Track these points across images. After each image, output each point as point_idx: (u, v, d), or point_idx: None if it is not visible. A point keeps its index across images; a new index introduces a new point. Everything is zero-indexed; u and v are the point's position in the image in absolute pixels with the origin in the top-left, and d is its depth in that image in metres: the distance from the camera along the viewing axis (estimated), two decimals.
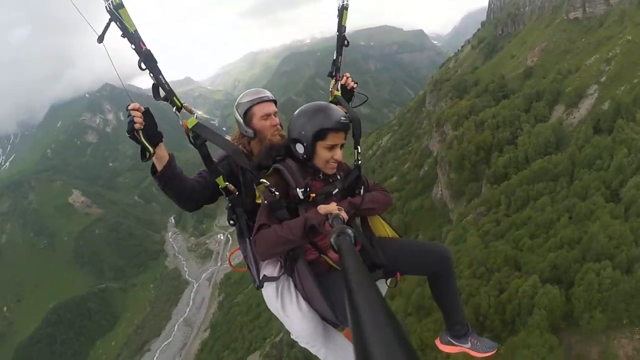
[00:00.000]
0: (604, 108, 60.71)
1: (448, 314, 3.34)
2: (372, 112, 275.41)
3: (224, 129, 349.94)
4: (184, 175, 2.93)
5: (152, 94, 2.61)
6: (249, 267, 3.11)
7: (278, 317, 2.95)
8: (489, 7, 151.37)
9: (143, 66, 2.47)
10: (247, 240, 2.98)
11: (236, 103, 3.32)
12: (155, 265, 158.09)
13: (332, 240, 1.73)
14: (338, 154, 2.86)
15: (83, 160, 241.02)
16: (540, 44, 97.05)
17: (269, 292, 2.91)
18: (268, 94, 3.35)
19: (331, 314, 2.67)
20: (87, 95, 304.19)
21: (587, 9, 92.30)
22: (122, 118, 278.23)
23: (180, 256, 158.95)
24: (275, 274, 2.89)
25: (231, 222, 3.09)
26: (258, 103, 3.26)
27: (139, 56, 2.44)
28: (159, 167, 2.77)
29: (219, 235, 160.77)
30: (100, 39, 2.37)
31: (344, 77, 3.49)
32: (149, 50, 2.45)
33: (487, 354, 3.36)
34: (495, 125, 76.08)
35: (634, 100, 56.30)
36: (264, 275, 2.90)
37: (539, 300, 34.29)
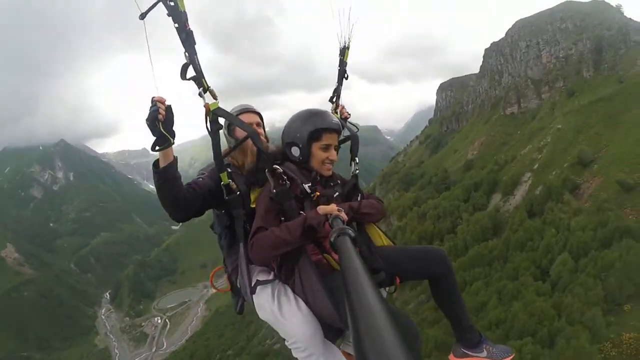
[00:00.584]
0: (537, 193, 61.62)
1: (456, 320, 3.18)
2: None
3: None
4: (181, 182, 2.78)
5: (180, 76, 2.60)
6: (233, 287, 3.11)
7: (273, 322, 2.78)
8: (436, 105, 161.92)
9: (183, 43, 2.51)
10: (241, 245, 2.83)
11: None
12: (84, 342, 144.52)
13: (331, 240, 1.78)
14: (333, 154, 2.91)
15: (24, 214, 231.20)
16: (479, 138, 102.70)
17: (262, 297, 2.77)
18: (250, 106, 3.42)
19: (335, 315, 2.55)
20: (40, 148, 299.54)
21: (521, 104, 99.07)
22: (72, 179, 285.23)
23: (112, 336, 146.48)
24: (268, 278, 2.82)
25: (222, 230, 3.08)
26: (240, 113, 3.29)
27: (181, 35, 2.48)
28: (163, 163, 2.65)
29: (156, 319, 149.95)
30: (143, 16, 2.43)
31: (341, 107, 3.56)
32: (192, 30, 2.51)
33: None
34: (437, 215, 77.49)
35: (563, 182, 57.27)
36: (257, 280, 2.80)
37: None
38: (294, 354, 2.73)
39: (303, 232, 2.47)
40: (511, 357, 3.21)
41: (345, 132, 3.37)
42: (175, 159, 2.71)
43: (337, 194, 2.97)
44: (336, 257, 2.62)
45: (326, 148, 2.87)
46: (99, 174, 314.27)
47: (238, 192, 2.87)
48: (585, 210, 46.10)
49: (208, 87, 2.64)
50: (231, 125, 3.23)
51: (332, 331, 2.80)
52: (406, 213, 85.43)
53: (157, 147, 2.59)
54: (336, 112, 3.51)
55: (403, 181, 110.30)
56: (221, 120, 2.92)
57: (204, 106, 2.69)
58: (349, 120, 3.53)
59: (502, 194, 72.10)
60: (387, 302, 2.03)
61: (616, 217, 40.74)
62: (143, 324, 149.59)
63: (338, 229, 1.79)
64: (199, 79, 2.60)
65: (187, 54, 2.51)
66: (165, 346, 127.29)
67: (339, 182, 3.11)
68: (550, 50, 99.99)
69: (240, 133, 3.16)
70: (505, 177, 73.63)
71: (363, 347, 0.70)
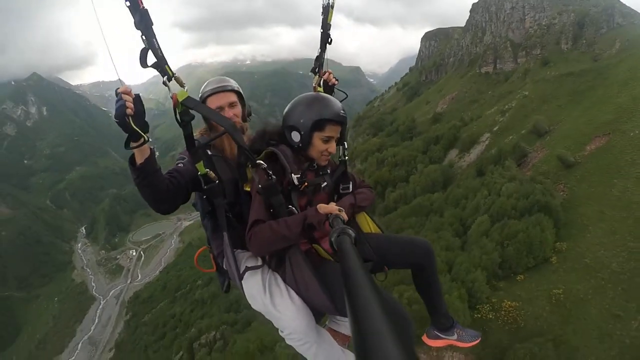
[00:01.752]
0: (491, 154, 63.05)
1: (433, 306, 3.33)
2: None
3: (150, 139, 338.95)
4: (162, 173, 2.67)
5: (139, 61, 2.34)
6: (219, 267, 3.06)
7: (266, 313, 2.75)
8: (418, 54, 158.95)
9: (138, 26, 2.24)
10: (225, 234, 2.77)
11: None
12: (62, 278, 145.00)
13: (332, 239, 1.79)
14: (333, 147, 2.86)
15: None
16: (452, 92, 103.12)
17: (252, 286, 2.73)
18: (227, 83, 3.22)
19: (329, 304, 2.54)
20: (12, 83, 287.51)
21: (497, 65, 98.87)
22: (46, 113, 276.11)
23: (88, 270, 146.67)
24: (257, 264, 2.78)
25: (204, 214, 3.01)
26: (211, 94, 3.14)
27: (134, 15, 2.20)
28: (140, 160, 2.51)
29: (131, 251, 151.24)
30: None
31: (327, 73, 3.33)
32: (147, 9, 2.21)
33: (473, 343, 3.41)
34: (394, 163, 78.96)
35: (513, 148, 59.04)
36: (246, 266, 2.76)
37: None
38: (289, 343, 2.78)
39: (303, 230, 2.47)
40: (478, 340, 3.47)
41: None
42: (152, 151, 2.58)
43: (325, 183, 2.95)
44: (326, 247, 2.74)
45: (327, 140, 2.82)
46: (73, 108, 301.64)
47: (217, 181, 2.80)
48: (519, 179, 47.28)
49: (173, 74, 2.43)
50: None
51: (319, 314, 2.87)
52: (368, 158, 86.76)
53: (131, 144, 2.44)
54: (320, 86, 3.33)
55: (374, 126, 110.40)
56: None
57: (172, 97, 2.51)
58: (336, 86, 3.43)
59: (459, 151, 73.58)
60: (386, 300, 2.47)
61: (542, 190, 41.77)
62: (118, 256, 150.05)
63: (339, 229, 1.83)
64: (161, 66, 2.39)
65: (143, 37, 2.25)
66: (139, 278, 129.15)
67: (328, 170, 3.07)
68: (534, 16, 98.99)
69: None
70: (465, 134, 74.94)
71: (365, 350, 0.71)
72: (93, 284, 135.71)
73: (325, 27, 3.18)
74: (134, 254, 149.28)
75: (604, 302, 29.08)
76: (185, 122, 2.57)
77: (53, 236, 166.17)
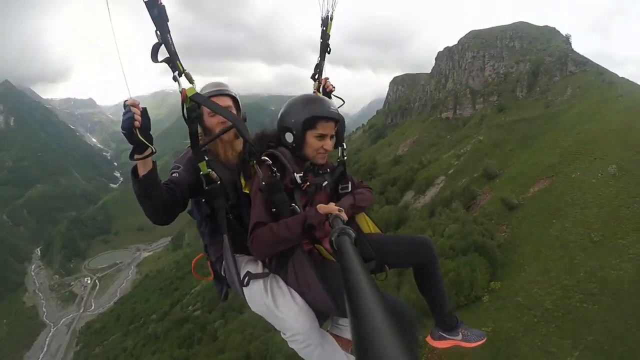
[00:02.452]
0: (444, 196, 63.54)
1: (437, 306, 3.28)
2: None
3: (115, 163, 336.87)
4: (162, 186, 2.67)
5: (150, 57, 2.40)
6: (216, 274, 3.00)
7: (268, 316, 2.72)
8: (386, 97, 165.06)
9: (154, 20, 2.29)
10: (225, 237, 2.74)
11: None
12: (12, 299, 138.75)
13: (332, 240, 1.79)
14: (328, 143, 2.84)
15: None
16: (413, 136, 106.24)
17: (254, 291, 2.69)
18: (224, 87, 3.16)
19: (332, 304, 2.52)
20: None
21: (457, 110, 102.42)
22: (13, 124, 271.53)
23: (40, 294, 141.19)
24: (259, 271, 2.73)
25: (202, 219, 2.97)
26: (218, 95, 3.05)
27: (151, 10, 2.25)
28: (143, 172, 2.52)
29: (86, 279, 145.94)
30: None
31: (324, 80, 3.45)
32: (164, 5, 2.27)
33: (478, 343, 3.36)
34: None
35: (463, 191, 59.85)
36: (248, 271, 2.70)
37: None
38: (291, 346, 2.71)
39: (303, 230, 2.45)
40: (483, 340, 3.36)
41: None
42: (155, 164, 2.56)
43: (325, 182, 2.93)
44: (327, 247, 2.69)
45: (321, 137, 2.80)
46: (41, 121, 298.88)
47: (219, 182, 2.76)
48: (462, 220, 47.71)
49: (184, 70, 2.47)
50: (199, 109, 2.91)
51: (321, 316, 2.79)
52: None
53: (136, 156, 2.43)
54: (319, 91, 3.41)
55: None
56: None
57: (180, 92, 2.53)
58: (333, 93, 3.46)
59: (415, 192, 74.14)
60: (388, 300, 2.48)
61: (481, 231, 42.20)
62: (72, 283, 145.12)
63: (339, 229, 1.80)
64: (173, 62, 2.42)
65: (158, 32, 2.29)
66: (93, 307, 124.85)
67: (328, 170, 3.05)
68: (494, 65, 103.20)
69: (207, 121, 3.00)
70: (422, 177, 75.82)
71: (365, 351, 0.70)
72: (44, 310, 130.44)
73: (325, 37, 3.32)
74: (89, 282, 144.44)
75: (536, 340, 28.48)
76: (192, 119, 2.57)
77: (6, 254, 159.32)
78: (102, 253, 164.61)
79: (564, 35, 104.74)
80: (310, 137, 2.78)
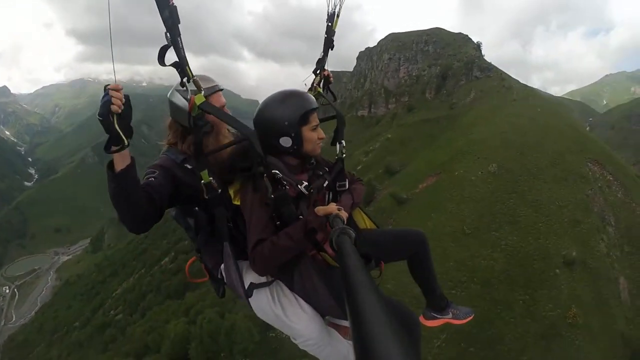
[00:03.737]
0: None
1: (430, 289, 3.37)
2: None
3: (30, 159, 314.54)
4: (141, 186, 2.46)
5: (156, 60, 2.25)
6: (212, 277, 2.87)
7: (278, 324, 2.71)
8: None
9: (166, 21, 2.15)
10: (226, 245, 2.62)
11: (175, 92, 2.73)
12: None
13: (332, 240, 1.78)
14: (321, 132, 2.77)
15: None
16: (330, 133, 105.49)
17: (261, 300, 2.64)
18: (215, 83, 2.86)
19: (338, 308, 2.56)
20: None
21: (372, 109, 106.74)
22: None
23: None
24: (263, 280, 2.64)
25: (196, 227, 2.76)
26: (212, 94, 2.77)
27: (162, 11, 2.12)
28: (121, 166, 2.29)
29: (4, 288, 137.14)
30: None
31: (326, 71, 3.33)
32: (175, 6, 2.14)
33: (467, 320, 3.48)
34: None
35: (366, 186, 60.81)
36: (251, 282, 2.61)
37: None
38: (302, 347, 2.74)
39: (305, 236, 2.35)
40: (471, 317, 3.48)
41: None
42: (133, 160, 2.32)
43: (326, 183, 2.80)
44: (330, 252, 2.60)
45: (315, 128, 2.69)
46: None
47: (219, 190, 2.61)
48: None
49: (193, 76, 2.31)
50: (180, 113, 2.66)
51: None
52: None
53: (112, 148, 2.19)
54: (318, 86, 3.23)
55: None
56: (180, 105, 2.70)
57: (189, 99, 2.39)
58: (331, 81, 3.34)
59: None
60: (389, 301, 2.55)
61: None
62: None
63: (339, 229, 1.78)
64: (182, 66, 2.26)
65: (168, 35, 2.12)
66: (14, 319, 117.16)
67: (326, 169, 2.91)
68: (408, 67, 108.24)
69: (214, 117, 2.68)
70: None
71: (364, 351, 0.70)
72: None
73: (330, 33, 3.21)
74: (7, 291, 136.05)
75: None
76: (199, 127, 2.45)
77: None
78: (19, 259, 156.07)
79: (475, 42, 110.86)
80: (307, 132, 2.68)
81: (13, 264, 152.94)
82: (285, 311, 2.59)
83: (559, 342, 33.20)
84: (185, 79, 2.31)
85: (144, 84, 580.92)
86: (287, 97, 2.67)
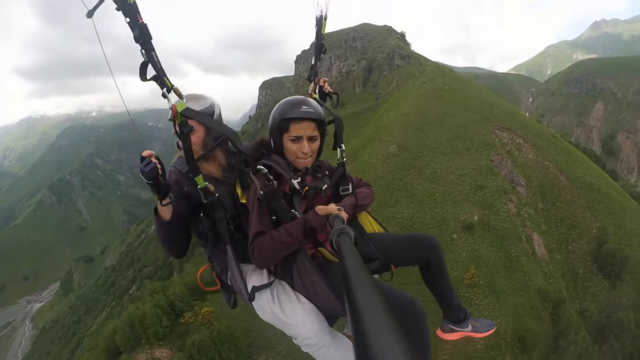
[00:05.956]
0: None
1: (446, 300, 3.22)
2: (152, 196, 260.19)
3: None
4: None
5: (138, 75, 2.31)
6: (223, 284, 2.92)
7: (278, 324, 2.69)
8: (257, 102, 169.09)
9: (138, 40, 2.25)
10: (228, 248, 2.68)
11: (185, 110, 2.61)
12: None
13: (332, 240, 1.77)
14: (304, 146, 2.69)
15: None
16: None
17: (263, 301, 2.67)
18: (205, 99, 3.00)
19: (338, 305, 2.48)
20: None
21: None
22: None
23: None
24: (265, 281, 2.68)
25: (201, 233, 2.87)
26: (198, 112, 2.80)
27: (134, 30, 2.21)
28: (169, 215, 2.65)
29: None
30: (90, 14, 2.20)
31: (322, 80, 3.41)
32: (145, 24, 2.21)
33: (488, 333, 3.35)
34: None
35: None
36: (253, 286, 2.65)
37: None
38: (305, 350, 2.71)
39: (304, 234, 2.42)
40: (493, 330, 3.38)
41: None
42: (173, 207, 2.68)
43: (325, 185, 2.82)
44: (330, 248, 2.67)
45: (296, 140, 2.70)
46: None
47: (217, 194, 2.73)
48: None
49: (172, 86, 2.43)
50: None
51: (331, 317, 2.81)
52: None
53: (164, 202, 2.56)
54: (315, 93, 3.35)
55: None
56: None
57: (171, 108, 2.46)
58: (332, 93, 3.45)
59: None
60: (392, 298, 2.50)
61: None
62: None
63: (338, 229, 1.81)
64: (161, 78, 2.39)
65: (143, 51, 2.27)
66: None
67: (327, 172, 3.00)
68: (339, 65, 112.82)
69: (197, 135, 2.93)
70: None
71: (363, 351, 0.70)
72: None
73: (319, 37, 3.29)
74: None
75: None
76: (185, 134, 2.52)
77: None
78: None
79: (399, 32, 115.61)
80: (287, 141, 2.71)
81: None
82: (283, 309, 2.62)
83: None
84: (165, 90, 2.39)
85: (94, 114, 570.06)
86: (283, 103, 2.77)
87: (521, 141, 57.57)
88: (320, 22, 3.21)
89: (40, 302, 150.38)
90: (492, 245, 41.11)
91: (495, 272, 38.14)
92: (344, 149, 3.19)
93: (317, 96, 3.36)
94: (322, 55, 3.45)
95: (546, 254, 44.16)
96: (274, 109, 2.78)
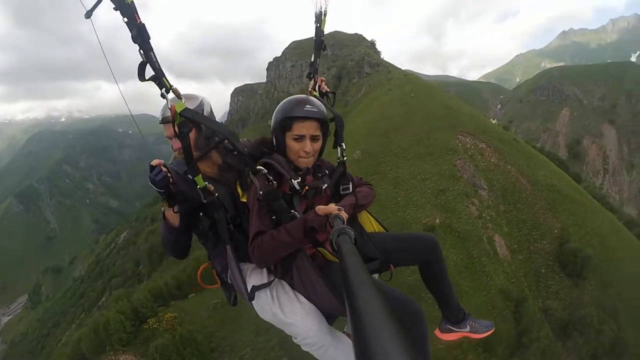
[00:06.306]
0: None
1: (445, 301, 3.26)
2: (121, 205, 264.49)
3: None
4: None
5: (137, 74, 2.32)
6: (223, 282, 2.96)
7: (277, 323, 2.69)
8: (229, 109, 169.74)
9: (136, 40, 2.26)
10: (228, 248, 2.70)
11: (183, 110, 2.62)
12: None
13: (332, 240, 1.76)
14: (306, 145, 2.71)
15: None
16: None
17: (262, 300, 2.67)
18: (198, 98, 2.95)
19: (338, 305, 2.47)
20: None
21: None
22: None
23: None
24: (264, 281, 2.68)
25: (201, 233, 2.91)
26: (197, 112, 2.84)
27: (132, 30, 2.23)
28: (177, 221, 2.72)
29: None
30: (89, 14, 2.22)
31: (320, 80, 3.39)
32: (143, 24, 2.23)
33: (486, 334, 3.36)
34: None
35: None
36: (253, 285, 2.66)
37: None
38: (305, 349, 2.70)
39: (304, 234, 2.42)
40: (492, 330, 3.39)
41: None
42: (180, 213, 2.73)
43: (325, 185, 2.80)
44: (330, 249, 2.66)
45: (299, 139, 2.70)
46: None
47: (216, 194, 2.72)
48: None
49: (171, 86, 2.43)
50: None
51: (331, 316, 2.80)
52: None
53: (175, 209, 2.63)
54: (315, 90, 3.34)
55: None
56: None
57: (170, 108, 2.46)
58: (329, 92, 3.42)
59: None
60: (392, 297, 2.51)
61: None
62: None
63: (338, 229, 1.81)
64: (159, 79, 2.38)
65: (141, 51, 2.27)
66: None
67: (327, 172, 2.98)
68: None
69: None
70: None
71: (363, 351, 0.70)
72: None
73: (319, 34, 3.26)
74: None
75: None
76: (184, 134, 2.50)
77: None
78: None
79: (369, 40, 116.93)
80: (289, 140, 2.72)
81: None
82: (282, 308, 2.61)
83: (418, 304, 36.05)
84: (164, 90, 2.40)
85: (63, 119, 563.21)
86: (286, 101, 2.79)
87: (484, 146, 57.64)
88: (320, 18, 3.20)
89: (9, 316, 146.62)
90: (453, 247, 40.48)
91: (457, 273, 37.15)
92: (344, 147, 3.24)
93: (317, 94, 3.37)
94: (321, 52, 3.48)
95: (508, 255, 44.11)
96: (277, 107, 2.82)
